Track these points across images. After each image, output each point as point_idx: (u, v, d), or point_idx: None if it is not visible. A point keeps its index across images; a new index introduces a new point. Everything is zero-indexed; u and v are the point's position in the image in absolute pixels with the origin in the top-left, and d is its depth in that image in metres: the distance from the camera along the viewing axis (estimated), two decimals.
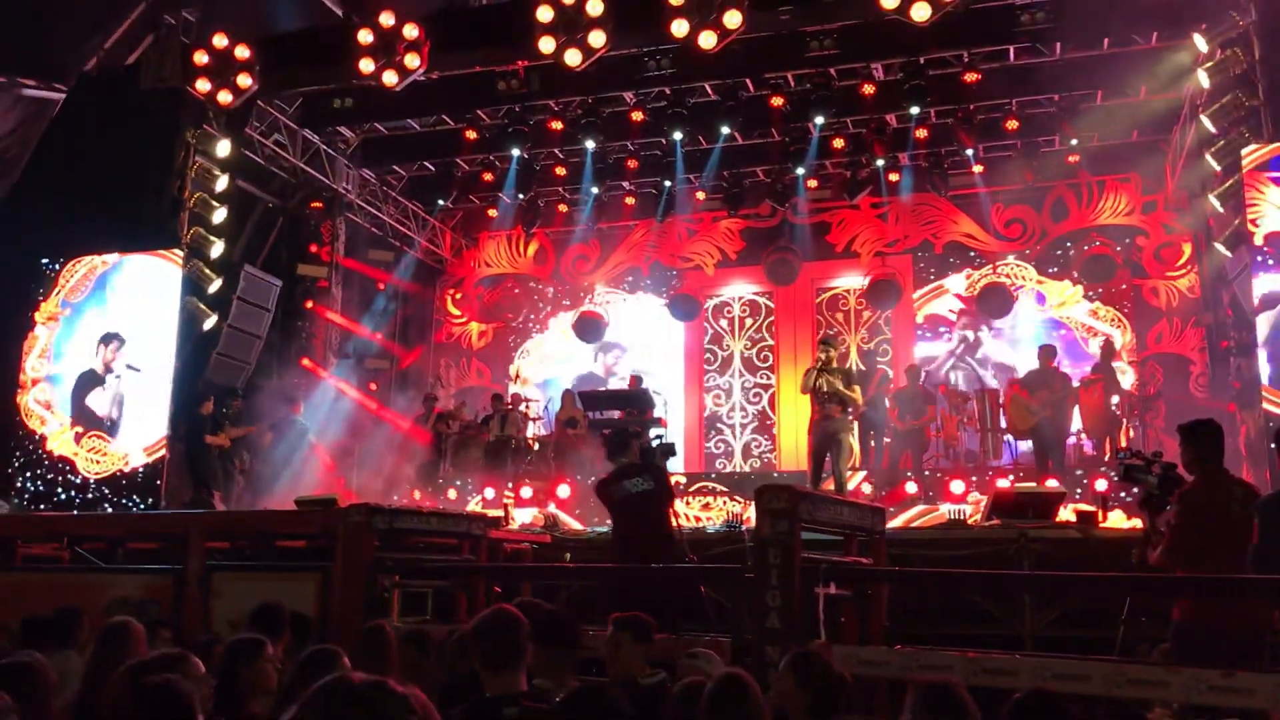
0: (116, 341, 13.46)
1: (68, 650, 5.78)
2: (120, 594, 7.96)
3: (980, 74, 13.59)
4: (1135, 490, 6.42)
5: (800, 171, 16.01)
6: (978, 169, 15.94)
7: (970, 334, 16.66)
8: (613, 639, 4.80)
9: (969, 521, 11.07)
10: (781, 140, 15.50)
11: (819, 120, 14.48)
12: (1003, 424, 14.11)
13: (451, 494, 14.73)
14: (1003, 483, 12.04)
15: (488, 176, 16.81)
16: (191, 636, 7.12)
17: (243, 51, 13.22)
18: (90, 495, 13.02)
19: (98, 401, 13.41)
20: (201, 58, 13.28)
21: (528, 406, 16.90)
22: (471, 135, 15.62)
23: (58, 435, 13.41)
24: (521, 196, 17.02)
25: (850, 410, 11.31)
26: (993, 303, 16.30)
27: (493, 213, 18.22)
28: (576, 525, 12.73)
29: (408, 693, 2.08)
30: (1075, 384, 14.14)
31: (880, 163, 15.77)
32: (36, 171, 15.38)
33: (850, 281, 17.48)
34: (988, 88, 13.90)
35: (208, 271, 13.34)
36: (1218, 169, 11.65)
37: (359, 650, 5.10)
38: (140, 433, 13.07)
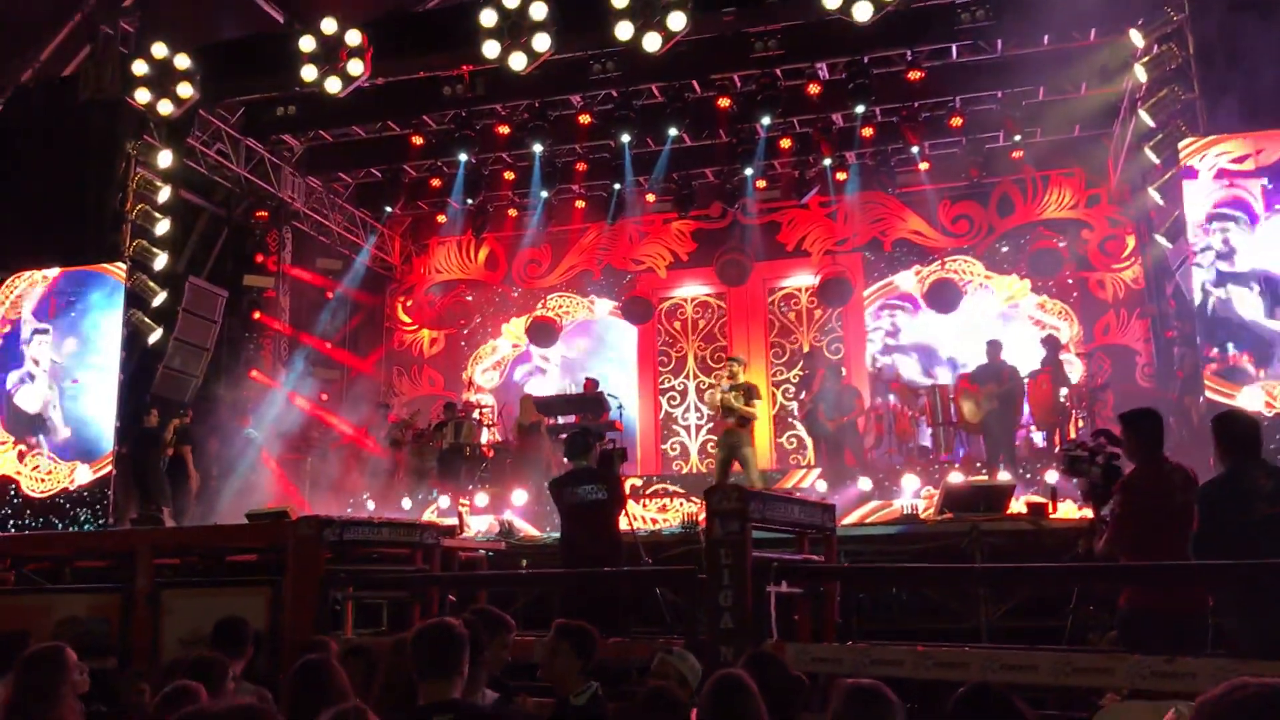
0: (41, 335, 13.22)
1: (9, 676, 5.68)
2: (68, 614, 7.85)
3: (924, 72, 13.75)
4: (1079, 481, 6.53)
5: (749, 172, 16.09)
6: (924, 166, 16.11)
7: (894, 316, 16.83)
8: (551, 645, 4.78)
9: (922, 516, 11.17)
10: (729, 141, 15.57)
11: (766, 121, 14.57)
12: (954, 418, 14.24)
13: (406, 503, 14.61)
14: (955, 477, 12.16)
15: (435, 182, 16.74)
16: (142, 655, 7.04)
17: (183, 61, 13.09)
18: (35, 515, 12.79)
19: (27, 399, 13.17)
20: (141, 67, 13.13)
21: (482, 414, 16.84)
22: (418, 141, 15.56)
23: (0, 453, 13.18)
24: (470, 201, 16.95)
25: (747, 425, 12.13)
26: (942, 298, 16.47)
27: (442, 218, 18.12)
28: (533, 531, 12.70)
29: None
30: (1024, 377, 14.31)
31: (827, 162, 15.89)
32: None
33: (801, 280, 17.57)
34: (931, 85, 14.06)
35: (151, 284, 13.19)
36: (1157, 162, 11.87)
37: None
38: (85, 449, 12.87)
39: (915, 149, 15.50)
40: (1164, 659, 4.62)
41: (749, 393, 12.11)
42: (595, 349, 18.40)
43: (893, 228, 17.15)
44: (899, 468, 13.73)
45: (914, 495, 12.75)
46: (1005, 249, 16.66)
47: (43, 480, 13.00)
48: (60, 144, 13.88)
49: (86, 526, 12.49)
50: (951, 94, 14.58)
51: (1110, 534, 5.42)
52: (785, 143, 15.62)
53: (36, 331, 13.44)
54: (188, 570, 9.44)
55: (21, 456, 13.12)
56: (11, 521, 12.82)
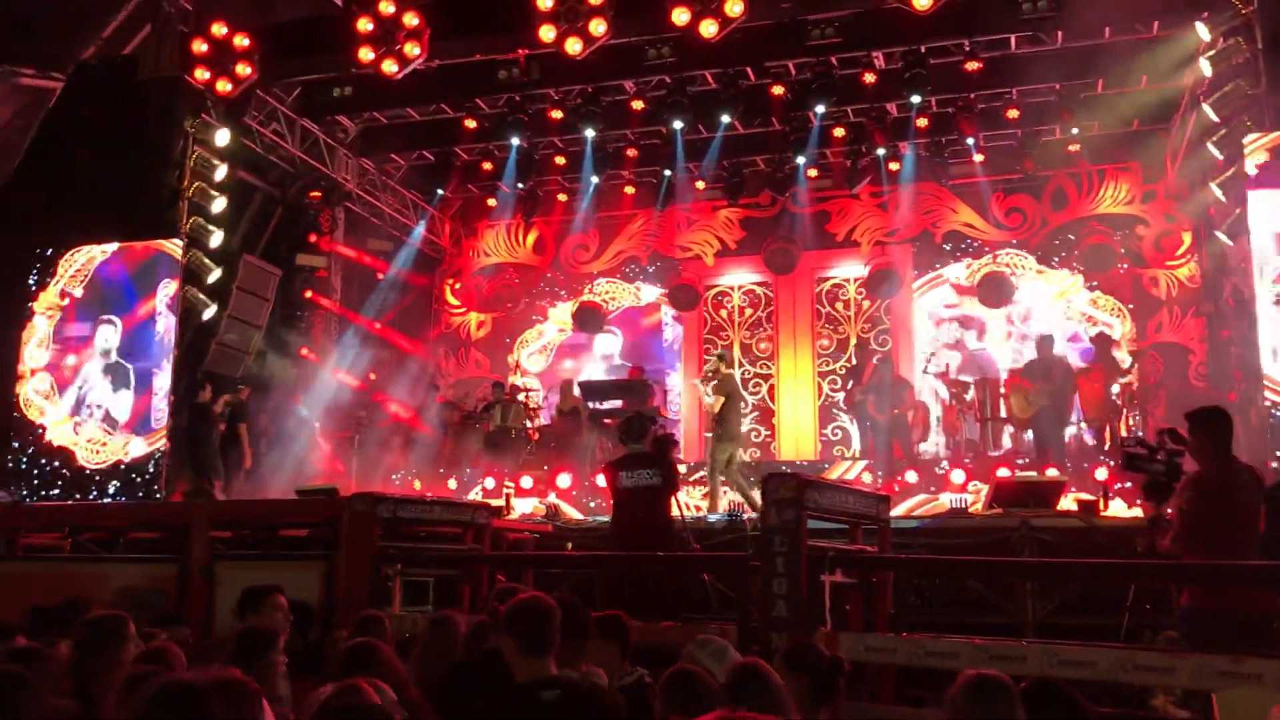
0: (108, 326, 13.42)
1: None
2: (125, 584, 7.95)
3: (981, 63, 13.54)
4: (1138, 478, 6.44)
5: (800, 160, 15.98)
6: (978, 158, 15.92)
7: (959, 331, 16.62)
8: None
9: (970, 511, 11.08)
10: (782, 129, 15.49)
11: (820, 109, 14.46)
12: (1003, 413, 14.11)
13: (452, 484, 14.72)
14: (1003, 472, 12.05)
15: (487, 166, 16.75)
16: (196, 627, 7.12)
17: (242, 40, 13.17)
18: (90, 486, 12.99)
19: (85, 372, 13.38)
20: (200, 46, 13.23)
21: (528, 396, 16.91)
22: (471, 124, 15.58)
23: (57, 425, 13.38)
24: (520, 186, 16.96)
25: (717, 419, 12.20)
26: (993, 292, 16.30)
27: (491, 202, 18.16)
28: (577, 515, 12.74)
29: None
30: (1075, 373, 14.15)
31: (881, 152, 15.74)
32: (34, 161, 15.33)
33: (850, 270, 17.47)
34: (989, 77, 13.85)
35: (207, 261, 13.31)
36: (1219, 157, 11.65)
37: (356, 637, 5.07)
38: (140, 423, 13.05)
39: (970, 140, 15.34)
40: (1229, 658, 4.54)
41: (720, 385, 12.07)
42: (641, 335, 18.39)
43: (944, 219, 17.00)
44: (946, 462, 13.63)
45: (961, 489, 12.66)
46: (1058, 243, 16.45)
47: (97, 452, 13.19)
48: (120, 121, 14.02)
49: (140, 499, 12.67)
50: (1009, 85, 14.38)
51: (1177, 530, 5.34)
52: (838, 131, 15.52)
53: (93, 306, 13.63)
54: (238, 544, 9.53)
55: (77, 429, 13.32)
56: (67, 492, 13.02)
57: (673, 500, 7.92)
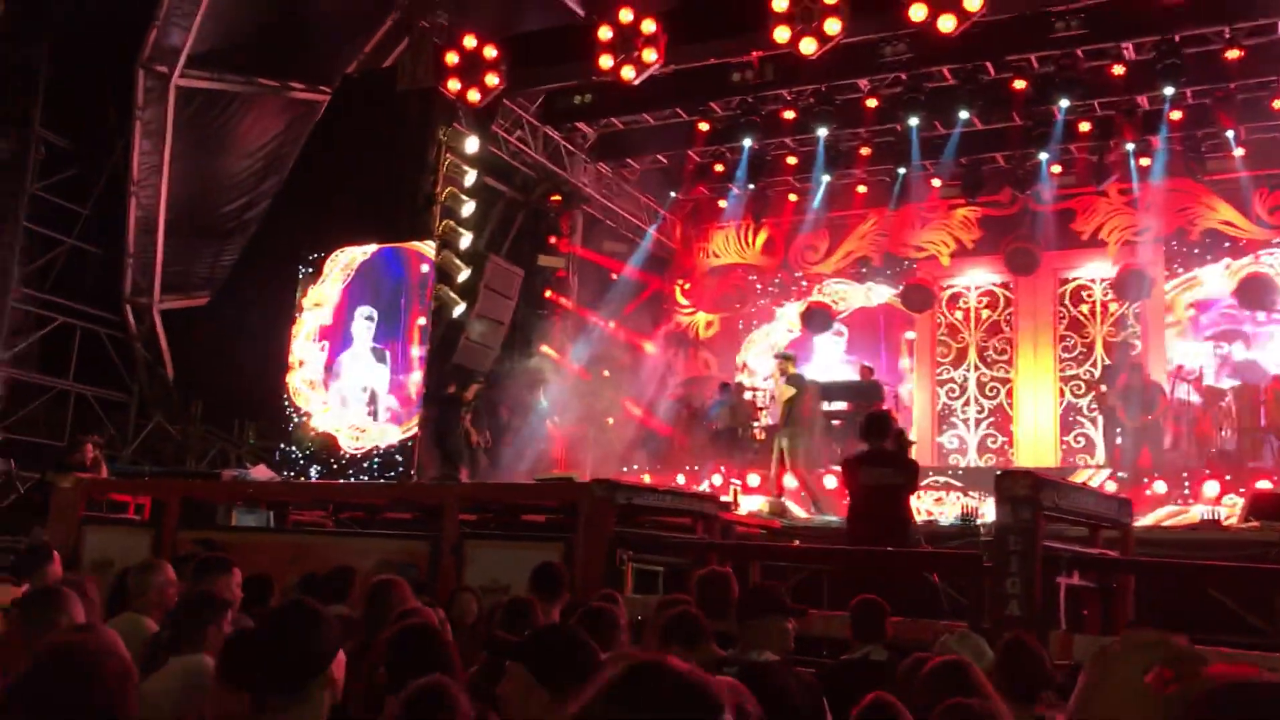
0: (368, 321, 14.41)
1: (341, 605, 6.35)
2: (383, 557, 8.61)
3: (1243, 50, 12.75)
4: None
5: (1043, 157, 15.50)
6: (1238, 152, 14.98)
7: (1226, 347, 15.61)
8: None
9: (1223, 523, 10.49)
10: (1023, 124, 15.05)
11: (1064, 103, 13.98)
12: (1262, 421, 13.24)
13: (680, 479, 15.08)
14: (1263, 484, 11.33)
15: (718, 167, 17.05)
16: (445, 595, 7.66)
17: (490, 51, 13.92)
18: (350, 469, 14.03)
19: (348, 369, 14.42)
20: (452, 58, 14.06)
21: (755, 396, 17.10)
22: (704, 127, 15.90)
23: (322, 413, 14.50)
24: (751, 186, 17.17)
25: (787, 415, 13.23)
26: (1255, 295, 15.29)
27: (722, 203, 18.46)
28: (804, 514, 12.83)
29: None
30: None
31: (1130, 146, 15.07)
32: (304, 169, 16.77)
33: (1095, 271, 16.80)
34: (1251, 65, 13.00)
35: (457, 262, 14.13)
36: None
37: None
38: (397, 412, 14.01)
39: (1230, 133, 14.45)
40: None
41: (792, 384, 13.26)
42: (871, 336, 18.27)
43: (1200, 217, 16.06)
44: (1198, 471, 12.92)
45: (1214, 501, 11.99)
46: None
47: (358, 439, 14.23)
48: (380, 131, 15.13)
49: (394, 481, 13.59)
50: (1274, 74, 13.47)
51: None
52: (1084, 126, 14.94)
53: (355, 302, 14.68)
54: (482, 526, 10.15)
55: (342, 418, 14.40)
56: (330, 472, 14.11)
57: (910, 500, 7.94)
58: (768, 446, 15.42)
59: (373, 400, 14.24)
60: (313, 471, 13.99)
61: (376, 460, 13.87)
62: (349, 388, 14.45)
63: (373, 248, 14.70)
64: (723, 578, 5.37)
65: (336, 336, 14.74)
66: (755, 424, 16.05)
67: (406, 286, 14.18)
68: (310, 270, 14.89)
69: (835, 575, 8.53)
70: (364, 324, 14.55)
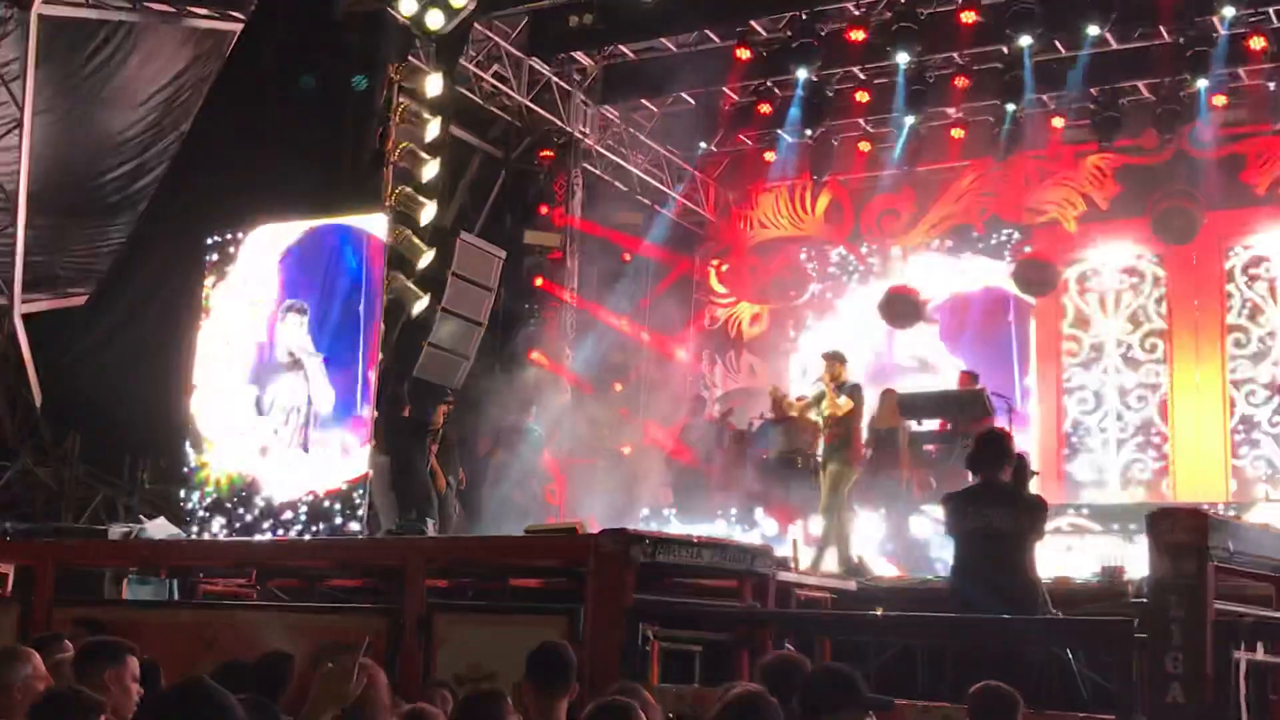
0: (298, 315, 14.22)
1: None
2: (329, 639, 8.59)
3: None
4: None
5: (1202, 85, 15.46)
6: None
7: None
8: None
9: None
10: (1174, 42, 15.01)
11: (1229, 11, 13.94)
12: None
13: (720, 525, 15.03)
14: None
15: (764, 109, 17.04)
16: (413, 691, 7.65)
17: None
18: (277, 520, 13.92)
19: (273, 385, 14.31)
20: None
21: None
22: (744, 54, 15.86)
23: (237, 447, 14.39)
24: (809, 134, 17.18)
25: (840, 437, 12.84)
26: None
27: (770, 156, 18.44)
28: (891, 570, 12.76)
29: None
30: None
31: None
32: (210, 122, 16.71)
33: (1277, 239, 16.72)
34: None
35: (417, 242, 14.06)
36: None
37: None
38: (337, 443, 13.94)
39: None
40: None
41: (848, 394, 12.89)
42: (973, 330, 18.21)
43: None
44: None
45: None
46: None
47: (286, 481, 14.15)
48: (310, 68, 15.09)
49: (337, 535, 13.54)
50: None
51: None
52: (1256, 42, 14.87)
53: (281, 300, 14.61)
54: (458, 594, 10.13)
55: (264, 452, 14.29)
56: (252, 528, 14.02)
57: (1034, 551, 7.88)
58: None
59: (306, 427, 14.18)
60: (216, 525, 13.84)
61: (304, 510, 13.60)
62: (276, 412, 14.38)
63: (304, 226, 14.63)
64: (794, 666, 5.33)
65: (259, 344, 14.66)
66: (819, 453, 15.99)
67: (367, 280, 14.00)
68: (217, 257, 14.80)
69: (934, 652, 8.46)
70: (294, 327, 14.46)
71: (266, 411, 14.27)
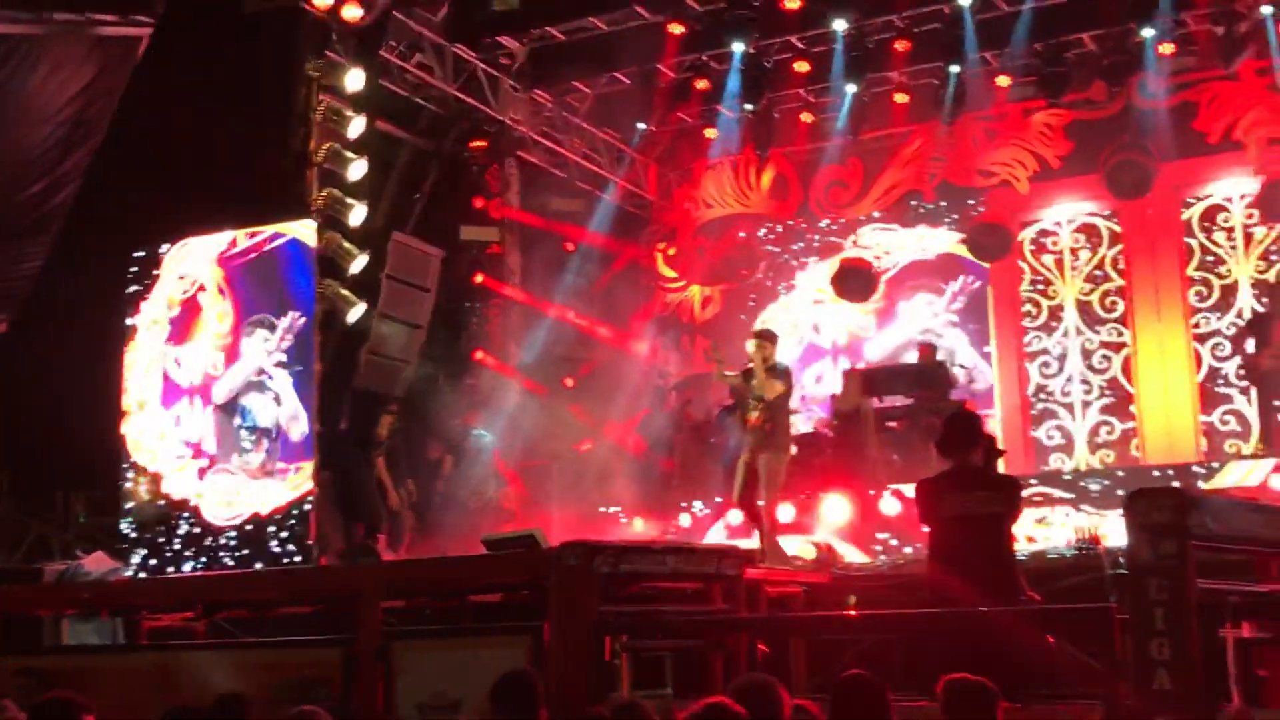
0: (264, 330, 13.93)
1: None
2: (283, 677, 8.49)
3: None
4: None
5: (1148, 33, 15.46)
6: None
7: None
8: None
9: None
10: None
11: None
12: None
13: (684, 520, 15.00)
14: None
15: (701, 84, 16.94)
16: None
17: None
18: (219, 547, 13.71)
19: (257, 411, 14.08)
20: None
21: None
22: (677, 29, 15.80)
23: (176, 472, 14.17)
24: (750, 107, 17.09)
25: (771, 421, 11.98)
26: None
27: (711, 133, 18.38)
28: (860, 556, 12.77)
29: None
30: None
31: (1268, 9, 15.04)
32: (124, 133, 16.51)
33: (1233, 186, 16.88)
34: None
35: (347, 246, 13.87)
36: None
37: None
38: (278, 461, 13.78)
39: None
40: None
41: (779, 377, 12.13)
42: (927, 299, 18.27)
43: None
44: None
45: None
46: None
47: (228, 504, 13.95)
48: (224, 70, 14.93)
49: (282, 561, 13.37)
50: None
51: None
52: None
53: (212, 316, 14.40)
54: (416, 617, 10.04)
55: (202, 474, 14.07)
56: (191, 558, 13.78)
57: (1011, 534, 7.88)
58: (805, 465, 15.35)
59: (248, 448, 14.00)
60: (138, 555, 13.61)
61: (243, 532, 13.35)
62: (209, 431, 14.16)
63: (228, 236, 14.41)
64: (765, 691, 5.28)
65: (187, 364, 14.45)
66: None
67: (281, 288, 13.89)
68: (142, 274, 14.58)
69: (912, 642, 8.46)
70: (259, 342, 14.15)
71: (233, 430, 14.04)
